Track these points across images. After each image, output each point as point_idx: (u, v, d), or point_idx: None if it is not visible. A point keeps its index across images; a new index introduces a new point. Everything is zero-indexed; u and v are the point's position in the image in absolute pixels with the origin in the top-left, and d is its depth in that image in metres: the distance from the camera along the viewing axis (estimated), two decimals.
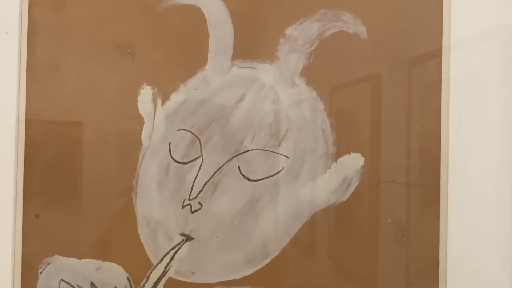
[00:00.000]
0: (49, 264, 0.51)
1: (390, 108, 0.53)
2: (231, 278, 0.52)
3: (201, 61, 0.52)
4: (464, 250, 0.52)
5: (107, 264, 0.51)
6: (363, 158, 0.52)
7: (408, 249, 0.52)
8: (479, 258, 0.52)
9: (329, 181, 0.52)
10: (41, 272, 0.51)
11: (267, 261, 0.52)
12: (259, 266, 0.52)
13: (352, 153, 0.53)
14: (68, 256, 0.51)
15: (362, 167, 0.52)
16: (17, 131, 0.51)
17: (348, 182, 0.53)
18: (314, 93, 0.53)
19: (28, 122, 0.51)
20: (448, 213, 0.52)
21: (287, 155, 0.52)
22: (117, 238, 0.51)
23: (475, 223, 0.52)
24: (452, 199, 0.52)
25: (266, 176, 0.52)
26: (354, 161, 0.52)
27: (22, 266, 0.51)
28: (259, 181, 0.52)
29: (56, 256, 0.51)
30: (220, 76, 0.52)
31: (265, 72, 0.52)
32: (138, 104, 0.52)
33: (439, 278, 0.52)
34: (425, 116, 0.52)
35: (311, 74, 0.52)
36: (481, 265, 0.52)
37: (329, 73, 0.52)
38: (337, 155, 0.53)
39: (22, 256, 0.51)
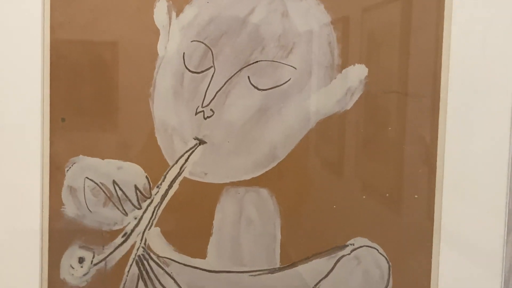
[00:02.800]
0: (74, 163, 0.66)
1: (392, 22, 0.65)
2: (240, 179, 0.66)
3: None
4: (460, 141, 0.65)
5: (128, 164, 0.65)
6: (366, 69, 0.65)
7: (407, 154, 0.66)
8: (474, 164, 0.66)
9: (334, 91, 0.65)
10: (67, 171, 0.66)
11: (273, 164, 0.66)
12: (266, 169, 0.66)
13: (356, 64, 0.65)
14: (92, 157, 0.65)
15: (365, 77, 0.65)
16: (43, 39, 0.64)
17: (352, 92, 0.65)
18: (322, 6, 0.65)
19: (52, 30, 0.64)
20: (446, 122, 0.65)
21: (295, 66, 0.65)
22: (136, 141, 0.65)
23: (471, 129, 0.65)
24: (450, 109, 0.65)
25: (274, 85, 0.65)
26: (358, 72, 0.65)
27: (50, 166, 0.65)
28: (268, 91, 0.65)
29: (81, 156, 0.65)
30: None
31: None
32: (154, 16, 0.64)
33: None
34: (427, 30, 0.65)
35: None
36: (476, 172, 0.65)
37: None
38: (342, 66, 0.65)
39: (50, 156, 0.65)
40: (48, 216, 0.66)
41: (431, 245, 0.66)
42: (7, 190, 0.64)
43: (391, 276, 0.67)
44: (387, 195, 0.66)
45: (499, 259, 0.66)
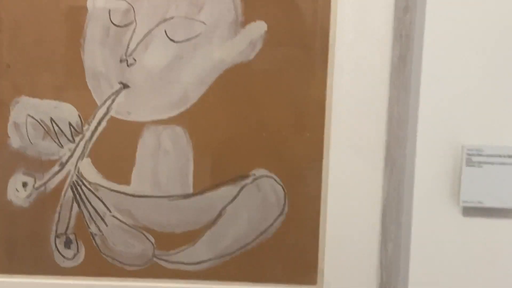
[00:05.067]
0: (18, 103, 0.88)
1: None
2: (159, 118, 0.88)
3: None
4: (345, 87, 0.87)
5: (63, 104, 0.87)
6: (266, 25, 0.87)
7: (300, 97, 0.88)
8: (357, 106, 0.87)
9: (238, 43, 0.87)
10: (12, 109, 0.88)
11: (187, 106, 0.88)
12: (181, 110, 0.88)
13: (257, 20, 0.87)
14: (33, 97, 0.88)
15: (265, 32, 0.87)
16: None
17: (254, 45, 0.87)
18: None
19: None
20: (334, 71, 0.87)
21: (205, 22, 0.86)
22: (70, 84, 0.87)
23: (354, 76, 0.87)
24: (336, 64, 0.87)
25: (187, 38, 0.87)
26: (258, 27, 0.87)
27: None
28: (182, 43, 0.87)
29: (23, 97, 0.88)
30: None
31: None
32: None
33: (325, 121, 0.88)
34: None
35: None
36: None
37: None
38: (245, 22, 0.87)
39: None
40: None
41: (321, 175, 0.89)
42: None
43: (286, 201, 0.89)
44: (283, 133, 0.88)
45: (379, 188, 0.88)
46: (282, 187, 0.89)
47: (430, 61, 0.82)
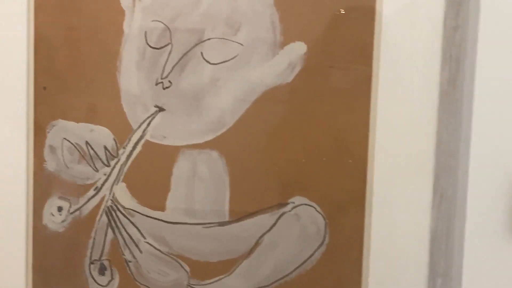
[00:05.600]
0: (54, 126, 0.89)
1: (331, 1, 0.84)
2: (194, 142, 0.87)
3: None
4: (390, 111, 0.84)
5: (98, 127, 0.88)
6: (305, 46, 0.85)
7: (342, 121, 0.85)
8: (403, 130, 0.84)
9: (276, 65, 0.85)
10: (48, 132, 0.89)
11: (223, 130, 0.87)
12: (217, 134, 0.87)
13: (296, 41, 0.85)
14: (68, 120, 0.89)
15: (305, 53, 0.85)
16: (28, 19, 0.87)
17: (293, 66, 0.85)
18: None
19: (36, 11, 0.87)
20: (378, 92, 0.84)
21: (241, 43, 0.85)
22: (105, 108, 0.88)
23: (401, 97, 0.84)
24: (382, 80, 0.84)
25: (223, 60, 0.86)
26: (297, 48, 0.85)
27: (34, 127, 0.89)
28: (218, 65, 0.86)
29: (59, 120, 0.89)
30: None
31: None
32: None
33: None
34: (359, 10, 0.83)
35: None
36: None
37: None
38: (284, 43, 0.85)
39: (34, 120, 0.89)
40: (33, 171, 0.90)
41: (364, 204, 0.86)
42: None
43: (327, 232, 0.87)
44: (324, 159, 0.86)
45: (427, 219, 0.84)
46: (323, 217, 0.86)
47: (482, 85, 0.78)
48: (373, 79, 0.84)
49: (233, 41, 0.85)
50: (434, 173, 0.84)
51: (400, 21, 0.82)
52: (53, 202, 0.90)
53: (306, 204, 0.87)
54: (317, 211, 0.87)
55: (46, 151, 0.89)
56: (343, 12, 0.83)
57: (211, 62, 0.85)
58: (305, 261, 0.87)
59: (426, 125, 0.83)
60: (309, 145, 0.86)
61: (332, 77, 0.85)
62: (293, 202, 0.87)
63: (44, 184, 0.90)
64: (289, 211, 0.87)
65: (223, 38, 0.85)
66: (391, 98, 0.83)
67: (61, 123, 0.89)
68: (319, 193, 0.86)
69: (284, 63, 0.85)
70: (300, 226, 0.87)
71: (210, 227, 0.88)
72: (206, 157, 0.87)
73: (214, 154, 0.87)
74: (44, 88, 0.88)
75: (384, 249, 0.86)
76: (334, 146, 0.86)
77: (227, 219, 0.88)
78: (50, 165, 0.89)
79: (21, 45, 0.87)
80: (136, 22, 0.86)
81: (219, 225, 0.88)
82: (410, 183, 0.84)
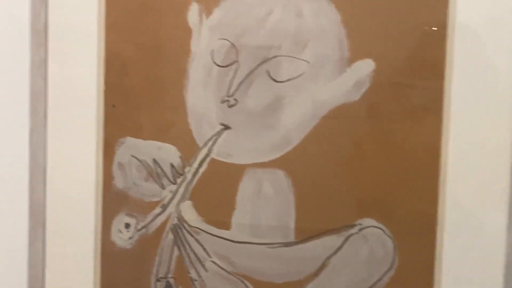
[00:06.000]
0: (122, 143, 0.92)
1: (400, 18, 0.83)
2: (260, 161, 0.88)
3: None
4: (463, 132, 0.82)
5: (165, 145, 0.90)
6: (374, 63, 0.84)
7: (411, 142, 0.84)
8: (477, 153, 0.82)
9: (343, 83, 0.85)
10: (117, 149, 0.92)
11: (289, 148, 0.87)
12: (283, 152, 0.87)
13: (364, 58, 0.84)
14: (136, 138, 0.91)
15: (373, 71, 0.84)
16: (99, 39, 0.91)
17: (361, 84, 0.85)
18: (333, 6, 0.85)
19: (107, 31, 0.90)
20: (450, 111, 0.82)
21: (308, 61, 0.86)
22: (173, 126, 0.90)
23: (475, 119, 0.82)
24: (454, 100, 0.82)
25: (290, 78, 0.86)
26: (365, 66, 0.84)
27: (103, 144, 0.92)
28: (284, 82, 0.86)
29: (127, 137, 0.92)
30: None
31: None
32: (188, 18, 0.88)
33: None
34: (431, 25, 0.82)
35: None
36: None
37: None
38: (351, 60, 0.85)
39: (104, 137, 0.92)
40: (102, 187, 0.93)
41: (435, 227, 0.84)
42: (68, 165, 0.92)
43: (396, 255, 0.85)
44: (393, 179, 0.85)
45: (502, 243, 0.82)
46: (392, 240, 0.85)
47: None
48: (445, 96, 0.82)
49: (299, 59, 0.85)
50: (509, 196, 0.81)
51: (473, 35, 0.80)
52: (121, 219, 0.92)
53: (374, 226, 0.85)
54: (386, 234, 0.85)
55: (114, 168, 0.92)
56: (435, 29, 0.82)
57: (277, 80, 0.86)
58: (373, 285, 0.86)
59: (501, 145, 0.80)
60: (377, 165, 0.85)
61: (401, 94, 0.84)
62: (361, 224, 0.86)
63: (112, 201, 0.93)
64: (357, 233, 0.86)
65: (290, 56, 0.85)
66: (464, 115, 0.82)
67: (130, 140, 0.91)
68: (388, 215, 0.85)
69: (351, 81, 0.84)
70: (368, 249, 0.86)
71: (276, 247, 0.88)
72: (271, 176, 0.87)
73: (280, 173, 0.87)
74: (113, 106, 0.91)
75: (457, 274, 0.83)
76: (404, 166, 0.84)
77: (292, 239, 0.88)
78: (118, 182, 0.92)
79: (92, 63, 0.90)
80: (203, 41, 0.88)
81: (284, 246, 0.88)
82: (484, 205, 0.82)
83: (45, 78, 0.92)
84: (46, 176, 0.93)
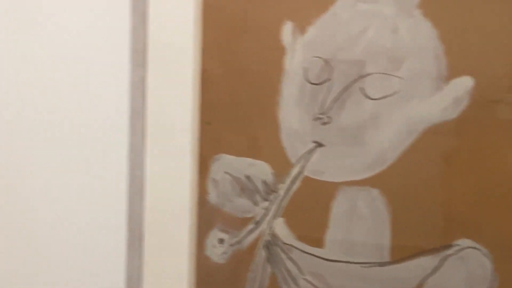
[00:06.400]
0: (216, 160, 0.95)
1: (499, 33, 0.82)
2: (354, 179, 0.89)
3: None
4: None
5: (258, 162, 0.93)
6: (472, 80, 0.83)
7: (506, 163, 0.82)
8: None
9: (440, 100, 0.85)
10: (211, 165, 0.95)
11: (383, 167, 0.87)
12: (377, 171, 0.88)
13: (462, 75, 0.84)
14: (230, 155, 0.94)
15: (471, 88, 0.83)
16: (195, 61, 0.94)
17: (459, 102, 0.84)
18: (429, 23, 0.85)
19: (203, 53, 0.94)
20: None
21: (404, 78, 0.86)
22: (266, 143, 0.92)
23: None
24: None
25: (385, 95, 0.87)
26: (464, 83, 0.84)
27: (199, 161, 0.96)
28: (379, 100, 0.87)
29: (222, 154, 0.95)
30: (347, 11, 0.88)
31: (386, 6, 0.86)
32: (281, 36, 0.91)
33: None
34: None
35: (427, 5, 0.84)
36: None
37: (443, 4, 0.83)
38: (449, 77, 0.84)
39: (199, 153, 0.96)
40: (196, 202, 0.96)
41: None
42: (164, 180, 0.96)
43: (495, 279, 0.84)
44: (492, 200, 0.83)
45: None
46: (490, 261, 0.84)
47: None
48: None
49: (395, 76, 0.86)
50: None
51: None
52: (215, 234, 0.96)
53: (472, 247, 0.84)
54: (484, 255, 0.84)
55: (209, 184, 0.95)
56: None
57: (372, 97, 0.87)
58: None
59: None
60: (476, 184, 0.84)
61: (501, 111, 0.82)
62: (458, 245, 0.85)
63: (206, 216, 0.96)
64: (454, 254, 0.85)
65: (385, 73, 0.86)
66: None
67: (223, 157, 0.94)
68: (486, 236, 0.84)
69: (449, 98, 0.84)
70: (466, 271, 0.85)
71: (370, 267, 0.89)
72: (365, 195, 0.88)
73: (374, 191, 0.88)
74: (208, 123, 0.94)
75: None
76: (502, 185, 0.83)
77: (387, 259, 0.88)
78: (213, 197, 0.95)
79: (188, 82, 0.94)
80: (297, 59, 0.90)
81: (379, 265, 0.88)
82: None
83: (143, 96, 0.96)
84: (143, 191, 0.98)
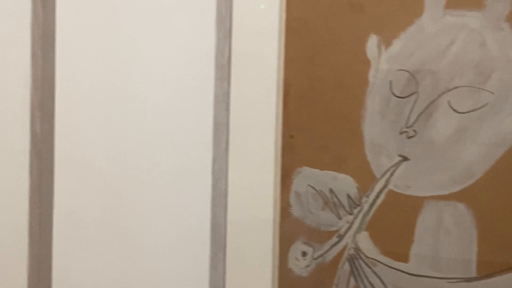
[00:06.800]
0: (299, 173, 0.97)
1: None
2: (440, 194, 0.89)
3: (418, 12, 0.89)
4: None
5: (342, 176, 0.94)
6: None
7: None
8: None
9: None
10: (294, 178, 0.98)
11: (471, 181, 0.88)
12: (464, 185, 0.88)
13: None
14: (313, 168, 0.96)
15: None
16: (278, 74, 0.97)
17: None
18: None
19: (286, 65, 0.96)
20: None
21: (492, 91, 0.86)
22: (350, 157, 0.94)
23: None
24: None
25: (472, 109, 0.87)
26: None
27: (281, 174, 0.98)
28: (466, 113, 0.88)
29: (304, 167, 0.97)
30: (434, 24, 0.88)
31: (474, 19, 0.86)
32: (366, 50, 0.92)
33: None
34: None
35: None
36: None
37: None
38: None
39: (282, 166, 0.98)
40: (279, 215, 0.99)
41: None
42: (247, 193, 0.99)
43: None
44: None
45: None
46: None
47: None
48: None
49: (483, 89, 0.86)
50: None
51: None
52: (298, 247, 0.98)
53: None
54: None
55: (291, 197, 0.98)
56: None
57: (459, 111, 0.87)
58: None
59: None
60: None
61: None
62: None
63: (289, 229, 0.98)
64: None
65: (472, 86, 0.86)
66: None
67: (306, 170, 0.96)
68: None
69: None
70: None
71: (456, 282, 0.89)
72: (452, 209, 0.88)
73: (461, 206, 0.88)
74: (292, 136, 0.97)
75: None
76: None
77: (474, 274, 0.88)
78: (296, 210, 0.97)
79: (271, 95, 0.97)
80: (382, 72, 0.91)
81: (466, 281, 0.88)
82: None
83: (227, 110, 0.99)
84: (227, 203, 1.01)
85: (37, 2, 1.07)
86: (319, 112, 0.95)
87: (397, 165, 0.91)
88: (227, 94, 0.99)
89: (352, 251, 0.94)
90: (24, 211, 1.13)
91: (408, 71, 0.89)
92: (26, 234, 1.13)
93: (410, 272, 0.91)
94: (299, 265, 0.98)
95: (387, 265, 0.93)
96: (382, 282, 0.93)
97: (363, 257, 0.94)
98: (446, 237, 0.89)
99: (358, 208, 0.93)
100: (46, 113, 1.10)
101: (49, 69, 1.09)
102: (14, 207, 1.13)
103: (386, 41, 0.91)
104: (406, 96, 0.90)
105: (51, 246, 1.14)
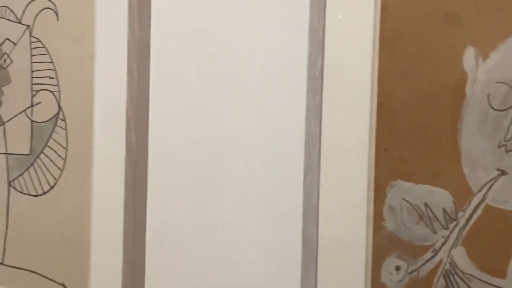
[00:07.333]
0: (393, 186, 0.99)
1: None
2: None
3: None
4: None
5: (437, 190, 0.95)
6: None
7: None
8: None
9: None
10: (388, 192, 0.99)
11: None
12: None
13: None
14: (408, 181, 0.97)
15: None
16: (372, 84, 0.99)
17: None
18: None
19: (379, 78, 0.98)
20: None
21: None
22: (446, 170, 0.95)
23: None
24: None
25: None
26: None
27: (375, 187, 1.00)
28: None
29: (399, 181, 0.98)
30: None
31: None
32: (463, 62, 0.93)
33: None
34: None
35: None
36: None
37: None
38: None
39: (375, 179, 1.00)
40: (372, 228, 1.00)
41: None
42: (339, 205, 1.01)
43: None
44: None
45: None
46: None
47: None
48: None
49: None
50: None
51: None
52: (391, 261, 0.99)
53: None
54: None
55: (385, 210, 0.99)
56: None
57: None
58: None
59: None
60: None
61: None
62: None
63: (382, 242, 0.99)
64: None
65: None
66: None
67: (401, 183, 0.98)
68: None
69: None
70: None
71: None
72: None
73: None
74: (385, 149, 0.98)
75: None
76: None
77: None
78: (389, 224, 0.99)
79: (364, 108, 0.98)
80: (479, 84, 0.91)
81: None
82: None
83: (320, 122, 1.02)
84: (318, 215, 1.03)
85: (134, 19, 1.13)
86: (414, 125, 0.96)
87: (495, 179, 0.91)
88: (319, 106, 1.01)
89: (447, 266, 0.95)
90: (119, 219, 1.18)
91: (507, 84, 0.89)
92: (121, 241, 1.19)
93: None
94: (393, 279, 0.99)
95: (483, 281, 0.93)
96: None
97: (459, 272, 0.94)
98: None
99: (454, 222, 0.94)
100: (140, 125, 1.16)
101: (143, 83, 1.15)
102: (111, 214, 1.19)
103: (484, 53, 0.91)
104: (505, 109, 0.90)
105: (144, 253, 1.19)
